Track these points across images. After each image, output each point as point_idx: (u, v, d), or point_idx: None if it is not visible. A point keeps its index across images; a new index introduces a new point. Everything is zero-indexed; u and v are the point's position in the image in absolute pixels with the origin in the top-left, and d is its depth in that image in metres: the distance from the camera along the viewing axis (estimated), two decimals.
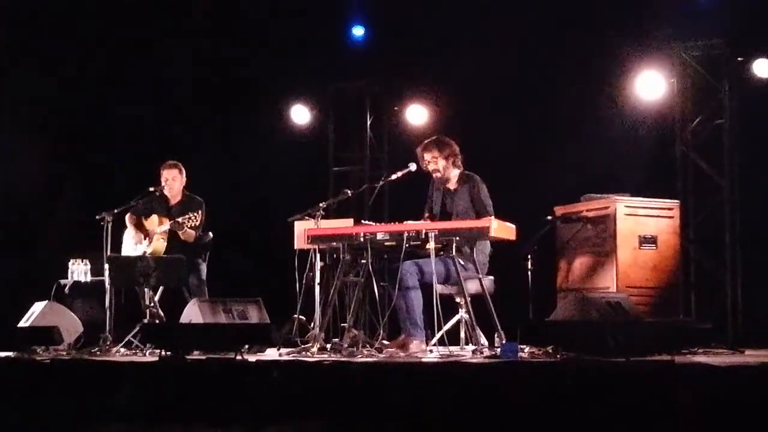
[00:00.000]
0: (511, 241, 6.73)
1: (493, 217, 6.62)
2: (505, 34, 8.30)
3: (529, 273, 6.93)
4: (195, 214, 7.63)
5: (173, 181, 7.98)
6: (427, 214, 7.04)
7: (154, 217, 7.89)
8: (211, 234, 8.00)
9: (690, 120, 8.24)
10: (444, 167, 6.97)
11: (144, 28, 9.52)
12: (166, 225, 7.69)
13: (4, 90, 9.42)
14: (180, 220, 7.58)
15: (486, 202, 6.85)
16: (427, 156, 6.99)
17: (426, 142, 7.07)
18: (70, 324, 7.54)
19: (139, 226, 7.96)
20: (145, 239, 7.86)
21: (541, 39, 8.35)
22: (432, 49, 8.83)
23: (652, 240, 7.20)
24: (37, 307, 7.71)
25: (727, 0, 8.05)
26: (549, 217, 7.33)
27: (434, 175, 7.02)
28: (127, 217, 7.94)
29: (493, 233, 6.42)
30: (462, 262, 6.54)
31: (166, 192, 7.98)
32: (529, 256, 6.92)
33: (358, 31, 9.64)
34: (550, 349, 5.89)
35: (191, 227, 7.64)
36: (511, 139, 8.40)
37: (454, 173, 7.03)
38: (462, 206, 6.90)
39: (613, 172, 7.93)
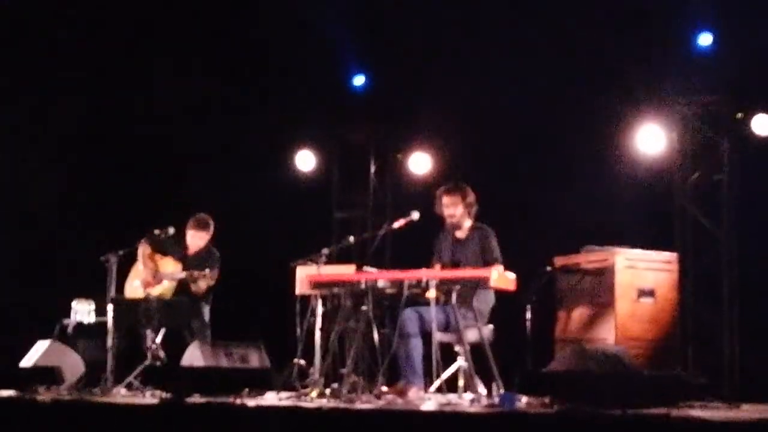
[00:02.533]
0: (511, 291, 6.76)
1: (501, 267, 6.67)
2: (507, 84, 8.38)
3: (528, 323, 6.95)
4: (212, 272, 7.60)
5: (200, 240, 7.97)
6: (438, 264, 7.07)
7: (169, 260, 7.90)
8: (216, 281, 8.00)
9: (689, 174, 8.30)
10: (461, 215, 7.04)
11: (145, 68, 9.61)
12: (181, 274, 7.67)
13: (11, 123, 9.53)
14: (196, 274, 7.56)
15: (496, 254, 6.91)
16: (448, 200, 7.05)
17: (450, 186, 7.13)
18: (73, 364, 7.59)
19: (152, 260, 7.95)
20: (155, 277, 7.85)
21: (543, 90, 8.42)
22: (433, 98, 8.91)
23: (650, 293, 7.23)
24: (40, 346, 7.76)
25: (729, 56, 8.14)
26: (548, 268, 7.35)
27: (449, 220, 7.07)
28: (141, 245, 7.89)
29: (493, 283, 6.47)
30: (462, 311, 6.55)
31: (188, 244, 7.97)
32: (528, 306, 6.95)
33: (358, 80, 9.74)
34: (547, 399, 5.86)
35: (205, 285, 7.64)
36: (512, 188, 8.46)
37: (467, 223, 7.09)
38: (472, 256, 6.95)
39: (613, 223, 7.96)
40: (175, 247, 8.01)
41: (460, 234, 7.11)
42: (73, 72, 9.47)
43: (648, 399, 5.47)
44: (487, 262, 6.83)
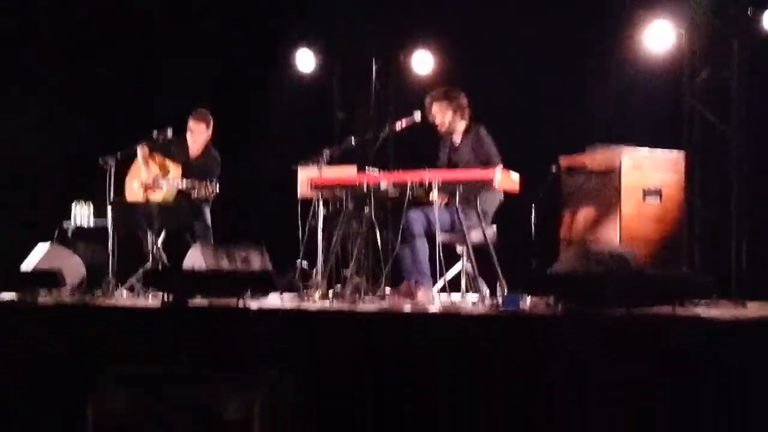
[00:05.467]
0: (515, 192, 6.76)
1: (500, 166, 6.61)
2: None
3: (533, 223, 6.95)
4: (212, 184, 7.52)
5: (199, 135, 7.90)
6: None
7: (170, 163, 7.83)
8: (216, 190, 7.96)
9: (698, 71, 8.18)
10: (450, 120, 6.99)
11: None
12: (182, 184, 7.59)
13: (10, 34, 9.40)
14: (196, 185, 7.48)
15: (491, 152, 6.87)
16: (435, 108, 7.00)
17: (434, 93, 7.08)
18: (73, 267, 7.57)
19: (152, 162, 7.88)
20: (155, 181, 7.80)
21: None
22: None
23: (656, 192, 7.20)
24: (41, 249, 7.75)
25: None
26: (553, 168, 7.28)
27: (439, 127, 7.03)
28: (140, 148, 7.81)
29: (497, 184, 6.44)
30: (465, 212, 6.55)
31: (189, 142, 7.91)
32: (533, 207, 6.94)
33: None
34: (551, 300, 5.82)
35: (205, 192, 7.58)
36: (517, 88, 8.34)
37: (461, 125, 7.03)
38: (465, 158, 6.93)
39: (620, 122, 7.90)
40: (175, 150, 7.93)
41: (455, 137, 7.10)
42: None
43: (653, 298, 5.41)
44: (484, 163, 6.77)
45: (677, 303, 5.54)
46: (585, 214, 7.34)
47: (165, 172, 7.81)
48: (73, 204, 8.16)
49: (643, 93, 8.08)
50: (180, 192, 7.70)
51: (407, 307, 6.13)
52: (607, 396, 4.71)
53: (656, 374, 4.65)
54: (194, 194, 7.60)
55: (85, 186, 8.15)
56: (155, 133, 7.71)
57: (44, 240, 7.86)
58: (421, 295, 6.54)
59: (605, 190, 7.19)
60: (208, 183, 7.51)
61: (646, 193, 7.17)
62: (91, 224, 8.10)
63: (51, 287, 6.95)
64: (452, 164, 7.02)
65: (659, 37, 8.02)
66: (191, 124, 7.90)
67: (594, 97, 8.04)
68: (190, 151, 7.96)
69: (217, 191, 7.65)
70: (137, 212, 7.41)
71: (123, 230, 7.48)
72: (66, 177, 9.20)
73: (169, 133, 7.73)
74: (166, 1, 9.51)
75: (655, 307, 5.28)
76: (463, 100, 7.02)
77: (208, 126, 7.93)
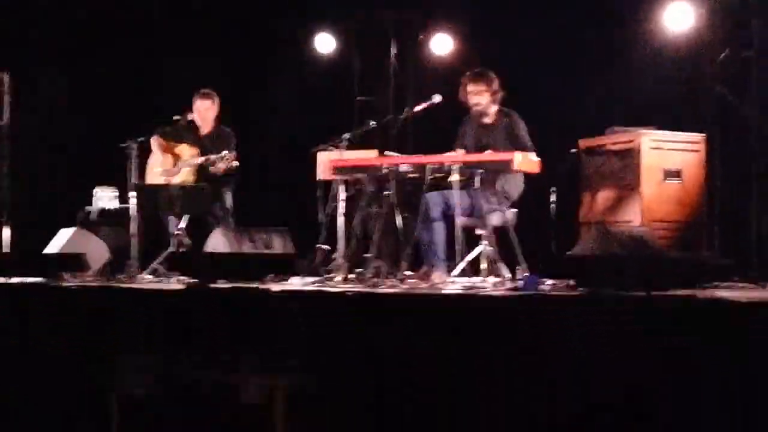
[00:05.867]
0: (535, 174, 6.76)
1: (534, 153, 6.64)
2: None
3: (553, 206, 6.98)
4: (230, 153, 7.59)
5: (206, 112, 7.97)
6: (459, 150, 7.03)
7: (184, 146, 7.90)
8: (236, 163, 8.01)
9: (718, 52, 8.14)
10: (487, 102, 6.97)
11: None
12: (199, 159, 7.68)
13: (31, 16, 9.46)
14: (213, 158, 7.56)
15: (525, 139, 6.88)
16: (474, 87, 6.97)
17: (475, 72, 7.04)
18: (97, 250, 7.68)
19: (168, 151, 7.95)
20: (174, 166, 7.88)
21: None
22: None
23: (677, 174, 7.16)
24: (65, 233, 7.84)
25: None
26: (573, 150, 7.31)
27: (474, 108, 7.00)
28: (154, 140, 7.90)
29: (516, 166, 6.44)
30: (485, 195, 6.56)
31: (197, 122, 7.97)
32: (552, 189, 6.96)
33: None
34: (571, 282, 5.86)
35: (224, 166, 7.63)
36: (536, 69, 8.32)
37: (493, 109, 7.03)
38: (501, 141, 6.90)
39: (639, 104, 7.85)
40: (186, 134, 8.00)
41: (487, 120, 7.06)
42: None
43: (673, 281, 5.44)
44: (517, 150, 6.76)
45: (697, 285, 5.57)
46: (605, 195, 7.32)
47: (181, 155, 7.88)
48: (96, 188, 8.23)
49: (663, 74, 8.03)
50: (201, 175, 7.75)
51: (423, 290, 6.16)
52: (628, 375, 4.65)
53: (676, 356, 4.61)
54: (213, 168, 7.65)
55: (108, 170, 8.22)
56: (176, 117, 7.79)
57: (68, 225, 7.96)
58: (435, 277, 6.55)
59: (625, 171, 7.17)
60: (226, 154, 7.55)
61: (667, 174, 7.13)
62: (115, 207, 8.17)
63: (75, 271, 7.07)
64: (483, 146, 6.96)
65: (678, 18, 7.97)
66: (197, 104, 7.98)
67: (613, 79, 7.99)
68: (201, 131, 8.04)
69: (237, 163, 7.72)
70: (159, 195, 7.45)
71: (146, 214, 7.52)
72: (88, 161, 9.25)
73: (189, 116, 7.81)
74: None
75: (675, 290, 5.28)
76: (498, 83, 7.00)
77: (213, 102, 8.02)
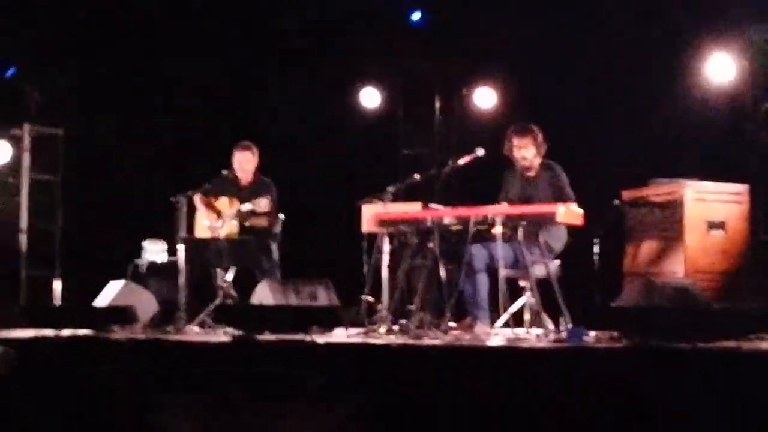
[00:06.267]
0: (579, 226, 6.77)
1: (575, 204, 6.68)
2: (574, 16, 8.33)
3: (596, 257, 6.98)
4: (263, 200, 7.71)
5: (246, 164, 8.10)
6: (504, 201, 7.06)
7: (225, 200, 8.03)
8: (282, 216, 8.13)
9: (761, 102, 8.14)
10: (533, 155, 7.01)
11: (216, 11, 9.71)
12: (234, 209, 7.80)
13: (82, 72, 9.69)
14: (245, 207, 7.67)
15: (568, 190, 6.90)
16: (520, 142, 7.00)
17: (520, 126, 7.07)
18: (146, 303, 7.77)
19: (210, 207, 8.09)
20: (218, 221, 8.01)
21: (610, 21, 8.32)
22: (498, 33, 8.84)
23: (720, 225, 7.21)
24: (114, 286, 7.93)
25: None
26: (616, 202, 7.35)
27: (521, 162, 7.04)
28: (197, 198, 8.03)
29: (559, 218, 6.48)
30: (529, 247, 6.59)
31: (238, 174, 8.12)
32: (596, 241, 6.96)
33: (415, 16, 9.70)
34: (615, 334, 5.88)
35: (259, 214, 7.74)
36: (579, 122, 8.40)
37: (537, 161, 7.07)
38: (544, 193, 6.94)
39: (682, 155, 7.91)
40: (229, 186, 8.13)
41: (530, 172, 7.10)
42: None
43: (718, 332, 5.44)
44: (560, 201, 6.78)
45: (742, 337, 5.54)
46: (648, 247, 7.37)
47: (224, 208, 8.01)
48: (146, 242, 8.36)
49: (706, 126, 8.08)
50: (246, 228, 7.87)
51: (467, 341, 6.19)
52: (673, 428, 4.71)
53: (722, 408, 4.63)
54: (258, 221, 7.77)
55: (157, 224, 8.38)
56: (225, 172, 7.96)
57: (118, 278, 8.08)
58: (478, 329, 6.59)
59: (669, 222, 7.22)
60: (261, 200, 7.68)
61: (710, 225, 7.18)
62: (164, 261, 8.29)
63: (124, 323, 7.14)
64: (527, 198, 7.02)
65: (720, 70, 8.03)
66: (237, 156, 8.11)
67: (655, 131, 8.07)
68: (241, 183, 8.16)
69: (282, 216, 7.86)
70: (207, 249, 7.57)
71: (194, 266, 7.63)
72: (138, 215, 9.43)
73: (231, 171, 7.98)
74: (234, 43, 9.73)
75: (720, 341, 5.27)
76: (542, 137, 7.03)
77: (253, 154, 8.15)
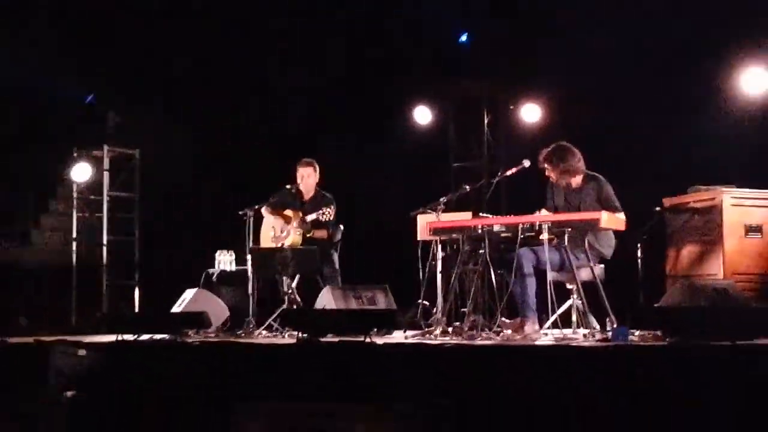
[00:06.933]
0: (622, 231, 6.96)
1: (623, 214, 6.87)
2: (614, 30, 8.47)
3: (640, 261, 7.14)
4: (326, 210, 8.02)
5: (308, 178, 8.45)
6: (548, 210, 7.27)
7: (290, 212, 8.32)
8: (341, 227, 8.44)
9: None
10: (557, 177, 7.15)
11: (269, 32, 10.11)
12: (307, 218, 8.08)
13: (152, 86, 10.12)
14: (308, 219, 8.00)
15: (613, 200, 7.01)
16: (542, 163, 7.20)
17: (545, 152, 7.16)
18: (218, 309, 8.04)
19: (279, 214, 8.38)
20: (282, 231, 8.31)
21: (651, 35, 8.49)
22: (542, 52, 9.11)
23: (757, 229, 7.33)
24: (188, 294, 8.25)
25: None
26: (658, 208, 7.53)
27: (550, 180, 7.27)
28: (264, 209, 8.39)
29: (603, 224, 6.64)
30: (574, 252, 6.77)
31: (300, 188, 8.49)
32: (639, 245, 7.14)
33: (463, 38, 10.04)
34: (659, 333, 6.01)
35: (321, 226, 8.06)
36: (621, 133, 8.58)
37: (576, 178, 7.17)
38: (589, 203, 7.05)
39: (719, 163, 8.01)
40: (293, 200, 8.43)
41: (575, 184, 7.20)
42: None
43: (756, 330, 5.56)
44: (608, 210, 6.90)
45: None
46: (689, 250, 7.52)
47: (288, 220, 8.31)
48: (217, 253, 8.69)
49: (742, 135, 8.20)
50: (308, 238, 8.19)
51: (517, 341, 6.39)
52: (716, 426, 4.89)
53: (761, 403, 4.83)
54: (319, 233, 8.10)
55: (226, 236, 8.77)
56: (288, 186, 8.36)
57: (192, 286, 8.40)
58: (528, 328, 6.76)
59: (708, 227, 7.36)
60: (325, 210, 7.99)
61: (748, 229, 7.30)
62: (234, 270, 8.56)
63: (198, 328, 7.47)
64: (572, 206, 7.13)
65: (755, 83, 8.14)
66: (300, 171, 8.45)
67: (694, 141, 8.21)
68: (303, 197, 8.50)
69: (342, 227, 8.18)
70: (273, 258, 7.81)
71: (261, 275, 7.94)
72: (210, 228, 9.82)
73: (294, 185, 8.36)
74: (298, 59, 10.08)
75: (758, 339, 5.43)
76: (570, 162, 7.07)
77: (315, 169, 8.48)
